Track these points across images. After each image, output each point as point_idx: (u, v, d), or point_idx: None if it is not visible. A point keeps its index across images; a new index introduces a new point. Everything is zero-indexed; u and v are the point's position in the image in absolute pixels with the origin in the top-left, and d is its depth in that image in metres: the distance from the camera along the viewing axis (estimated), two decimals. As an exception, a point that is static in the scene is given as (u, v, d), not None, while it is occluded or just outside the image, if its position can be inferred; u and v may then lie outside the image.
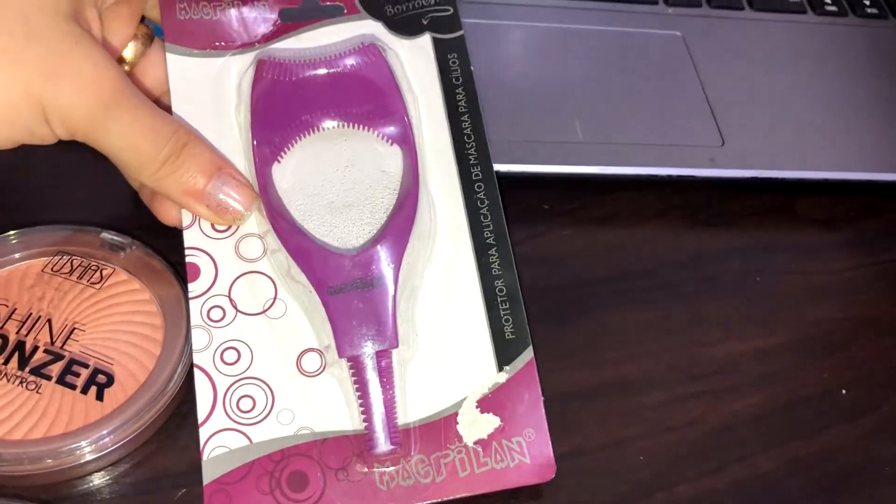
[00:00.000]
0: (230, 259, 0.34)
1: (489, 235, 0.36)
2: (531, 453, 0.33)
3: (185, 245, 0.34)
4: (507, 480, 0.33)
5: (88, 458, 0.32)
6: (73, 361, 0.34)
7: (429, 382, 0.34)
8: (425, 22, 0.38)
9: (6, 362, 0.33)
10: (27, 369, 0.33)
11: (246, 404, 0.33)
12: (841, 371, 0.41)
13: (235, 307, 0.34)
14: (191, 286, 0.34)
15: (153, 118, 0.32)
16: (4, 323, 0.34)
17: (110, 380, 0.34)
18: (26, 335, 0.34)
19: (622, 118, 0.46)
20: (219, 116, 0.36)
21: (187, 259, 0.34)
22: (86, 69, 0.30)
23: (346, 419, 0.33)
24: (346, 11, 0.38)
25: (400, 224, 0.34)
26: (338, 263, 0.33)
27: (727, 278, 0.44)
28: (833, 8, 0.55)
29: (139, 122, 0.31)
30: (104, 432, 0.32)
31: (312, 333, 0.34)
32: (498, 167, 0.39)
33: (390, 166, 0.36)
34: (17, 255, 0.37)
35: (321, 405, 0.33)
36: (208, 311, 0.34)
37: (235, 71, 0.36)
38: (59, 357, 0.34)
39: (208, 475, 0.32)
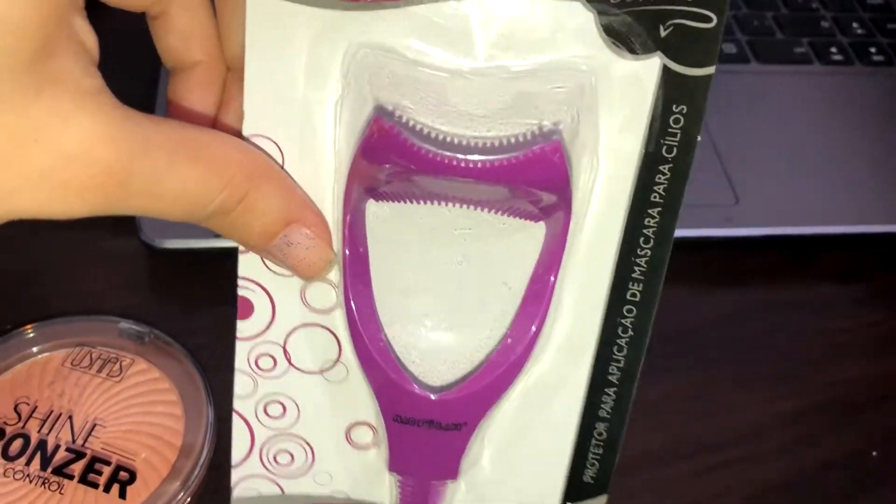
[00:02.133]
0: (293, 304, 0.28)
1: (615, 372, 0.29)
2: None
3: (240, 274, 0.28)
4: None
5: (113, 557, 0.32)
6: (95, 459, 0.34)
7: (479, 497, 0.31)
8: (664, 32, 0.24)
9: (28, 463, 0.33)
10: (49, 469, 0.33)
11: (284, 458, 0.31)
12: (870, 432, 0.40)
13: (289, 360, 0.29)
14: (240, 324, 0.28)
15: (188, 180, 0.22)
16: (26, 422, 0.34)
17: (132, 476, 0.33)
18: (48, 434, 0.34)
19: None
20: (311, 95, 0.25)
21: (240, 292, 0.28)
22: (63, 162, 0.20)
23: (385, 493, 0.32)
24: None
25: (504, 374, 0.28)
26: (415, 399, 0.28)
27: (748, 339, 0.43)
28: (839, 57, 0.55)
29: (166, 193, 0.22)
30: (128, 530, 0.32)
31: (372, 407, 0.29)
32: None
33: (515, 277, 0.27)
34: (35, 349, 0.37)
35: (362, 476, 0.31)
36: (257, 359, 0.29)
37: (344, 44, 0.24)
38: (81, 455, 0.34)
39: None
